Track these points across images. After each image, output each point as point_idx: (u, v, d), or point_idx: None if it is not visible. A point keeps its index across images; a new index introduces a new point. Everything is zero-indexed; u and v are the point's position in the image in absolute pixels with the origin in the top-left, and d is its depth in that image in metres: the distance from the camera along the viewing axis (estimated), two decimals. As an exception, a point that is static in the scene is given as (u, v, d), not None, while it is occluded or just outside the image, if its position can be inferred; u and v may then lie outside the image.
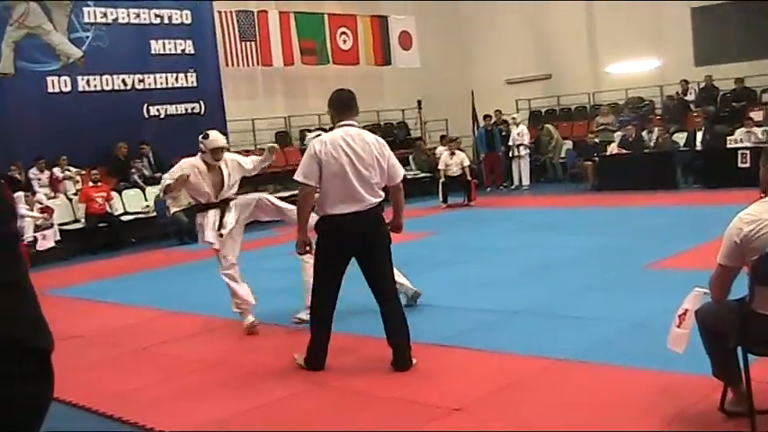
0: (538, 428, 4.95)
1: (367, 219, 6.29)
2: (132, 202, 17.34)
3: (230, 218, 8.19)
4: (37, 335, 1.47)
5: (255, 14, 21.00)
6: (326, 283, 6.45)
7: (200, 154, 8.33)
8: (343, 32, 22.99)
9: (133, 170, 17.80)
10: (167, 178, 8.25)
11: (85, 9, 17.97)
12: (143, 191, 17.55)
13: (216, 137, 8.37)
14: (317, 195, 6.47)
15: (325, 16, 22.65)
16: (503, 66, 25.67)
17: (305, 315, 7.44)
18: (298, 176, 6.43)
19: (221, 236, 8.10)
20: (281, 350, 7.28)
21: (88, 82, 18.01)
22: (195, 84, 19.79)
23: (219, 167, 8.32)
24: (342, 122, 6.49)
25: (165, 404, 6.10)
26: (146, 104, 18.90)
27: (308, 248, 6.61)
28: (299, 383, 6.21)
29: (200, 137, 8.33)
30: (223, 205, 8.25)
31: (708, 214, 13.05)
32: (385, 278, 6.49)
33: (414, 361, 6.34)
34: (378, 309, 6.48)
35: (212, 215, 8.17)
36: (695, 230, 11.59)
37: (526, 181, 21.84)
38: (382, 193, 6.41)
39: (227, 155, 8.63)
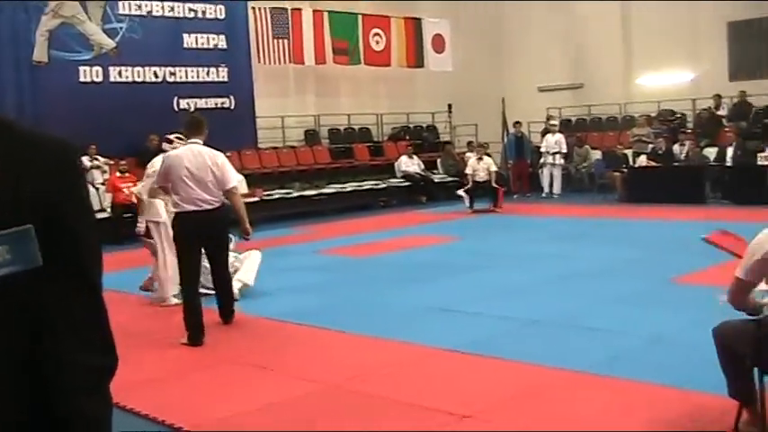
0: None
1: (205, 216, 7.82)
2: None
3: None
4: None
5: (289, 12, 21.03)
6: (188, 262, 7.89)
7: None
8: (377, 33, 22.97)
9: (162, 163, 17.86)
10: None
11: (120, 1, 18.07)
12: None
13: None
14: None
15: (359, 16, 22.65)
16: (535, 73, 25.58)
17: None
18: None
19: None
20: (297, 347, 7.29)
21: (120, 73, 18.11)
22: (226, 79, 19.84)
23: None
24: (190, 141, 8.14)
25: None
26: (176, 97, 18.96)
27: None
28: (314, 384, 6.19)
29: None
30: None
31: (736, 230, 12.90)
32: (220, 264, 8.23)
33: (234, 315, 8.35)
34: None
35: None
36: (722, 246, 11.46)
37: (557, 189, 21.75)
38: (221, 198, 7.97)
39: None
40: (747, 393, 4.47)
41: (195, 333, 7.72)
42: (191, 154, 7.95)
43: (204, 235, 7.91)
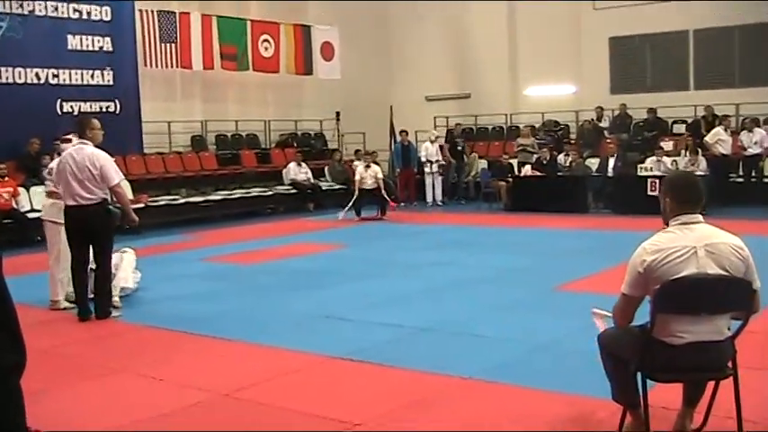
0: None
1: (82, 211, 8.64)
2: (40, 200, 16.89)
3: None
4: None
5: (177, 15, 20.71)
6: (74, 254, 8.85)
7: None
8: (266, 39, 22.83)
9: (43, 167, 17.36)
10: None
11: (0, -1, 17.52)
12: (52, 188, 17.12)
13: None
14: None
15: (248, 22, 22.47)
16: (423, 82, 25.86)
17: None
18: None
19: None
20: (180, 356, 7.20)
21: (0, 74, 17.55)
22: (112, 82, 19.39)
23: None
24: (79, 141, 8.86)
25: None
26: (59, 100, 18.43)
27: None
28: (203, 393, 6.11)
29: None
30: None
31: (617, 239, 13.30)
32: (102, 254, 8.85)
33: (113, 313, 8.90)
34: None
35: None
36: (604, 254, 11.78)
37: (440, 197, 22.02)
38: (101, 195, 8.73)
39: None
40: (631, 398, 4.59)
41: (81, 306, 8.82)
42: (74, 153, 8.74)
43: (84, 229, 8.73)
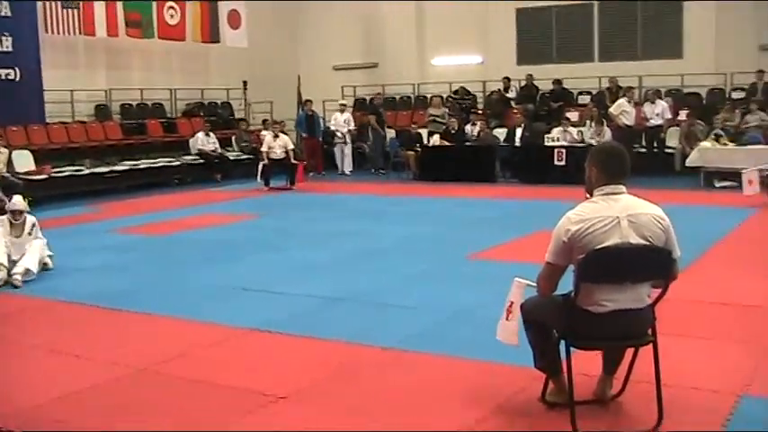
0: (360, 416, 4.96)
1: None
2: None
3: None
4: None
5: (80, -20, 20.18)
6: None
7: None
8: (171, 7, 22.35)
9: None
10: None
11: None
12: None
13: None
14: None
15: (154, -12, 22.03)
16: (331, 52, 25.77)
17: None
18: None
19: None
20: (103, 332, 7.08)
21: None
22: (11, 49, 18.74)
23: None
24: None
25: None
26: (-46, 66, 17.87)
27: None
28: (121, 368, 6.01)
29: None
30: None
31: (525, 208, 13.51)
32: None
33: None
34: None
35: None
36: (513, 223, 11.96)
37: (349, 168, 22.02)
38: None
39: None
40: (554, 365, 4.68)
41: None
42: None
43: None
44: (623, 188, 4.42)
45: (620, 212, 4.30)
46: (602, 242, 4.25)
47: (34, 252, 9.36)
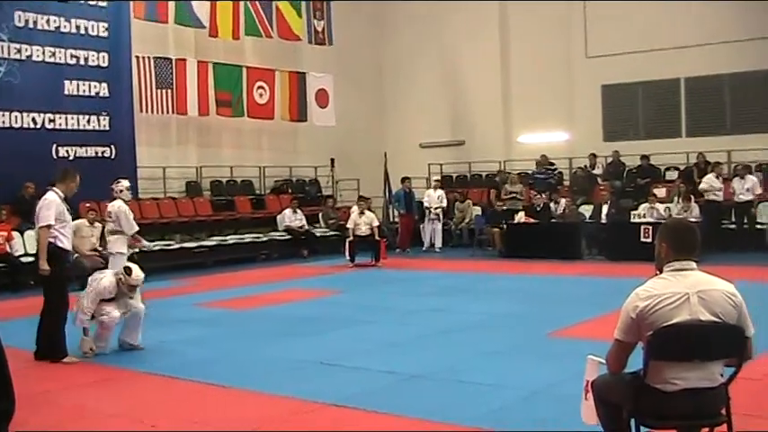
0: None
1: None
2: (34, 244, 16.83)
3: None
4: None
5: (174, 62, 20.87)
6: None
7: None
8: (261, 86, 22.96)
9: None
10: None
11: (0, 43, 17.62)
12: (46, 233, 17.06)
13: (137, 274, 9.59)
14: None
15: (244, 69, 22.62)
16: (417, 129, 26.06)
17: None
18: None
19: None
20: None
21: (-4, 117, 17.60)
22: (108, 127, 19.50)
23: None
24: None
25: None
26: (55, 144, 18.51)
27: None
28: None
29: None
30: None
31: (610, 285, 13.30)
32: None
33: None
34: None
35: None
36: (598, 301, 11.80)
37: (439, 244, 22.09)
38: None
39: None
40: (625, 444, 4.59)
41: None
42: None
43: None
44: (694, 264, 4.35)
45: (690, 288, 4.24)
46: (671, 319, 4.18)
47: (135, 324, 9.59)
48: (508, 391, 7.23)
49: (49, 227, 9.07)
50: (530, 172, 22.83)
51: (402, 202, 22.59)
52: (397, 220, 23.10)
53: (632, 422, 4.44)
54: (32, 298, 14.03)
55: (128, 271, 9.44)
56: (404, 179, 22.72)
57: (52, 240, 9.13)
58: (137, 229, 12.60)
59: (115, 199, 12.33)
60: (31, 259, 16.34)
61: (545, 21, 23.92)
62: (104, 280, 9.32)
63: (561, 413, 5.97)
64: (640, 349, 4.36)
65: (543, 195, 20.33)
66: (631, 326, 4.30)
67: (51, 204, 9.15)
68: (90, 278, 9.52)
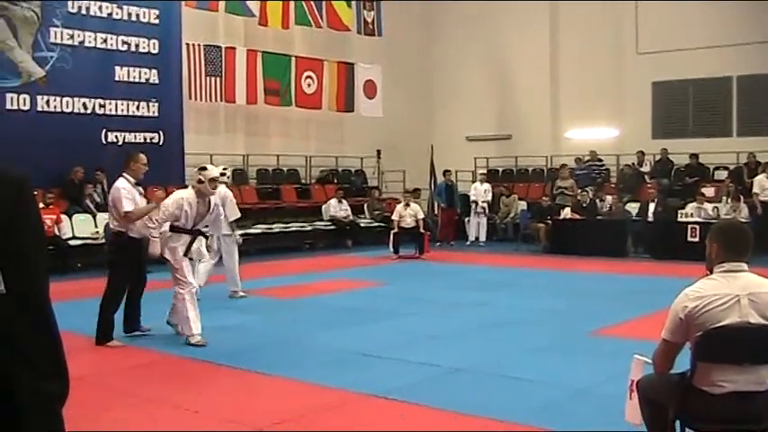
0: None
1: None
2: (82, 228, 17.10)
3: (195, 246, 9.52)
4: None
5: (223, 50, 21.00)
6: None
7: (195, 183, 9.44)
8: (309, 76, 23.03)
9: (86, 195, 17.59)
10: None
11: (52, 29, 17.76)
12: (94, 217, 17.29)
13: (212, 168, 9.53)
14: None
15: (293, 58, 22.70)
16: (464, 122, 25.96)
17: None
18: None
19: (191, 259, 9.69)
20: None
21: (48, 102, 17.75)
22: (157, 114, 19.67)
23: (209, 200, 9.47)
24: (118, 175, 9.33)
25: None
26: (105, 130, 18.70)
27: None
28: (240, 427, 6.12)
29: (198, 169, 9.46)
30: (195, 234, 9.43)
31: (656, 285, 13.19)
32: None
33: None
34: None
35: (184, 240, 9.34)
36: (642, 300, 11.69)
37: (483, 238, 22.04)
38: (120, 227, 9.12)
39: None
40: (669, 445, 4.55)
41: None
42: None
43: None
44: (744, 266, 4.30)
45: (741, 290, 4.18)
46: (720, 320, 4.13)
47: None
48: (551, 388, 7.19)
49: (129, 213, 8.97)
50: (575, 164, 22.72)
51: (443, 195, 22.56)
52: (437, 213, 23.07)
53: (677, 424, 4.41)
54: (79, 281, 14.33)
55: (202, 169, 9.42)
56: (445, 172, 22.71)
57: (123, 230, 9.13)
58: (239, 215, 13.35)
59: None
60: (78, 242, 16.66)
61: (596, 17, 23.71)
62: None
63: (604, 412, 5.93)
64: (687, 350, 4.32)
65: (588, 192, 20.18)
66: (680, 326, 4.26)
67: (122, 191, 9.01)
68: None
